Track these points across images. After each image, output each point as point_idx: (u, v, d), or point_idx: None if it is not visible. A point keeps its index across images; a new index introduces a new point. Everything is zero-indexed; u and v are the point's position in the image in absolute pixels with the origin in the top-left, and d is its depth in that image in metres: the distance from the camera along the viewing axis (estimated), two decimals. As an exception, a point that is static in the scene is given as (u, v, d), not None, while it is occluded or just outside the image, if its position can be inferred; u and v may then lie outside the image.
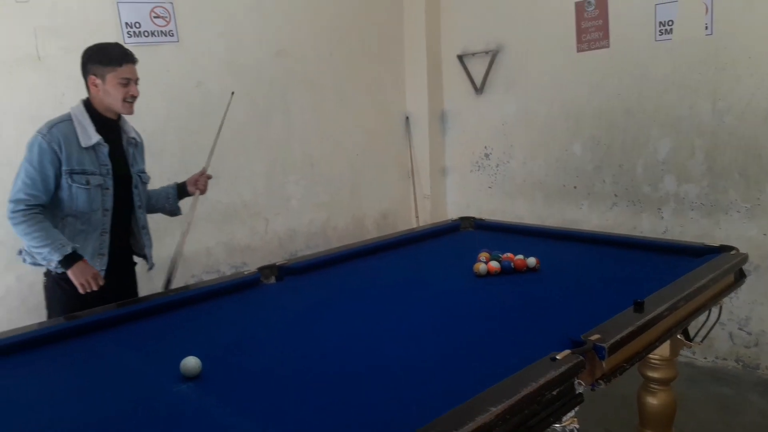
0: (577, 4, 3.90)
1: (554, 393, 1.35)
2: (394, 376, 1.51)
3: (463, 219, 3.27)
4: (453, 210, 4.80)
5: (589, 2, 3.84)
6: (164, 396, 1.47)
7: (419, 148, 4.77)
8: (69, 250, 2.23)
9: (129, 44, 3.21)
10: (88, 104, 2.36)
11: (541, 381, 1.32)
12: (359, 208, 4.58)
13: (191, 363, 1.53)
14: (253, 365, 1.64)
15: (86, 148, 2.29)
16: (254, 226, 3.97)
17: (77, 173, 2.28)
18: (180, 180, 2.81)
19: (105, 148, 2.34)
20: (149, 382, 1.56)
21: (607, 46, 3.82)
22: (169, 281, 2.68)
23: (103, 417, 1.39)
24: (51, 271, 2.33)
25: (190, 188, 2.74)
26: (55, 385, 1.60)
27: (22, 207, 2.22)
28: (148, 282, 2.77)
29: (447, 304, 2.07)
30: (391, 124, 4.72)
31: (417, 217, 4.76)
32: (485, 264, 2.30)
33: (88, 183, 2.29)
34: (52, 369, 1.72)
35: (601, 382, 1.52)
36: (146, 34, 3.26)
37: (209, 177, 2.79)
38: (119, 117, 2.45)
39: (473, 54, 4.49)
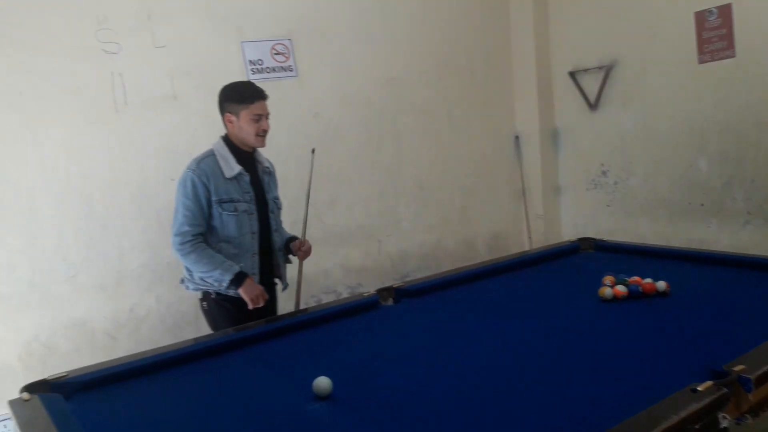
0: (696, 13, 3.71)
1: (696, 427, 1.28)
2: (521, 404, 1.50)
3: (582, 240, 3.17)
4: (568, 230, 4.67)
5: (710, 11, 3.65)
6: (299, 414, 1.54)
7: (530, 168, 4.69)
8: (237, 269, 2.43)
9: (253, 80, 3.44)
10: (226, 139, 2.55)
11: (683, 414, 1.26)
12: (470, 230, 4.56)
13: (324, 383, 1.59)
14: (381, 386, 1.69)
15: (230, 179, 2.48)
16: (368, 247, 4.07)
17: (225, 202, 2.46)
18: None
19: (247, 177, 2.52)
20: (284, 399, 1.65)
21: (733, 56, 3.59)
22: (297, 304, 2.85)
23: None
24: (210, 294, 2.51)
25: (295, 252, 2.76)
26: (199, 400, 1.73)
27: (188, 238, 2.42)
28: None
29: (572, 329, 2.01)
30: (500, 144, 4.69)
31: (530, 238, 4.67)
32: (611, 288, 2.22)
33: (236, 210, 2.47)
34: (196, 385, 1.85)
35: (747, 416, 1.43)
36: (268, 70, 3.48)
37: (309, 247, 2.78)
38: (254, 149, 2.61)
39: (586, 70, 4.38)
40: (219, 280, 2.42)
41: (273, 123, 3.48)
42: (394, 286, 2.59)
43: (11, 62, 2.83)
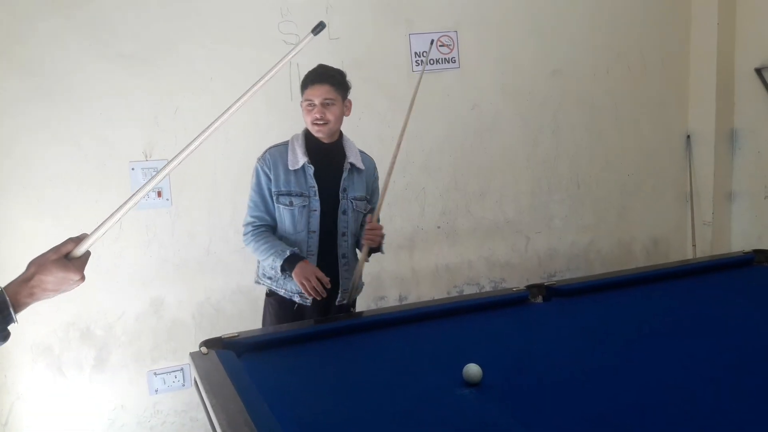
0: None
1: None
2: (681, 421, 1.43)
3: (758, 252, 2.89)
4: (739, 241, 4.27)
5: None
6: (448, 397, 1.60)
7: (701, 170, 4.34)
8: (288, 253, 2.25)
9: (416, 72, 3.52)
10: (306, 129, 2.41)
11: None
12: (627, 233, 4.33)
13: (474, 370, 1.63)
14: (531, 382, 1.69)
15: (294, 171, 2.33)
16: (515, 243, 4.02)
17: (283, 194, 2.33)
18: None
19: (311, 169, 2.34)
20: (434, 381, 1.71)
21: None
22: (350, 304, 2.50)
23: (394, 409, 1.56)
24: (268, 292, 2.47)
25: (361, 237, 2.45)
26: (353, 371, 1.84)
27: (249, 229, 2.37)
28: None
29: (747, 349, 1.86)
30: (669, 143, 4.38)
31: (694, 246, 4.34)
32: (792, 307, 2.02)
33: (291, 204, 2.32)
34: (351, 356, 1.97)
35: None
36: (431, 62, 3.54)
37: (379, 230, 2.39)
38: (339, 140, 2.42)
39: (776, 66, 3.96)
40: (274, 267, 2.29)
41: (432, 113, 3.60)
42: (546, 284, 2.54)
43: (206, 52, 3.15)
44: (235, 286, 3.33)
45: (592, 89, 4.07)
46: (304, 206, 2.33)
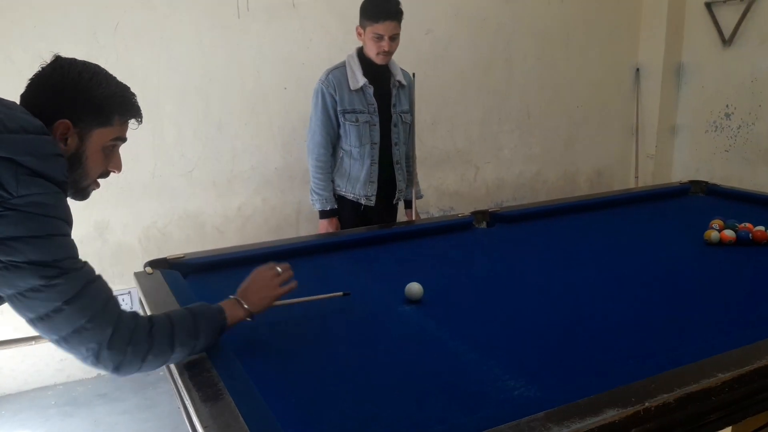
0: None
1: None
2: (605, 330, 1.52)
3: (693, 182, 3.02)
4: (679, 172, 4.44)
5: None
6: (391, 312, 1.65)
7: (648, 103, 4.44)
8: (328, 207, 2.70)
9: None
10: (360, 51, 2.68)
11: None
12: (573, 163, 4.44)
13: (415, 288, 1.68)
14: (467, 299, 1.76)
15: (355, 90, 2.63)
16: (464, 172, 4.08)
17: (348, 112, 2.64)
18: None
19: (370, 89, 2.66)
20: (379, 299, 1.76)
21: None
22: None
23: (339, 324, 1.61)
24: (337, 196, 2.78)
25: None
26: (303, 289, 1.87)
27: (317, 155, 2.67)
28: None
29: (670, 269, 1.97)
30: (618, 75, 4.44)
31: (636, 177, 4.49)
32: (718, 232, 2.13)
33: (357, 120, 2.65)
34: (301, 277, 2.00)
35: None
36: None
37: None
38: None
39: (725, 2, 4.01)
40: (313, 200, 2.73)
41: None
42: (490, 210, 2.60)
43: (146, -38, 2.97)
44: (182, 211, 3.28)
45: (545, 18, 4.05)
46: (366, 122, 2.67)
